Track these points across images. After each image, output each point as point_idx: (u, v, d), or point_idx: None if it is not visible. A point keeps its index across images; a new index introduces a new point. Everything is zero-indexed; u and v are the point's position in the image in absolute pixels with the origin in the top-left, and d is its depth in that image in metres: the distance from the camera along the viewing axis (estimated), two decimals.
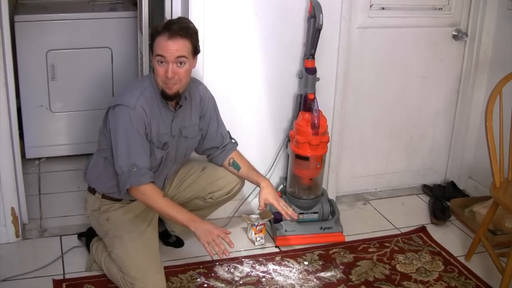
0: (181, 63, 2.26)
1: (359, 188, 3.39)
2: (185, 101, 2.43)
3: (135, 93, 2.29)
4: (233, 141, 2.66)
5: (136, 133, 2.25)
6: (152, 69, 2.38)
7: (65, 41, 3.40)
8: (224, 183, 2.61)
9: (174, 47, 2.22)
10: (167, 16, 2.75)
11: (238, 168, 2.61)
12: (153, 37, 2.28)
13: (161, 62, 2.25)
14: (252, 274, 2.59)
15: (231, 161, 2.61)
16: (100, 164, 2.45)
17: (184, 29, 2.25)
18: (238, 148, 2.66)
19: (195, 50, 2.31)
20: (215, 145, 2.61)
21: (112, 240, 2.39)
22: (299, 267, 2.66)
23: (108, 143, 2.35)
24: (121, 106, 2.26)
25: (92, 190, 2.49)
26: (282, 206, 2.52)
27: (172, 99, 2.35)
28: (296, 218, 2.58)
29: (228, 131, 2.65)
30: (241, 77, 2.82)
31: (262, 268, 2.63)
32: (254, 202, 3.04)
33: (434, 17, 3.18)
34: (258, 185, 2.59)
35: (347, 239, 2.89)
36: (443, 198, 3.29)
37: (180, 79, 2.28)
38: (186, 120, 2.47)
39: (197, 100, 2.50)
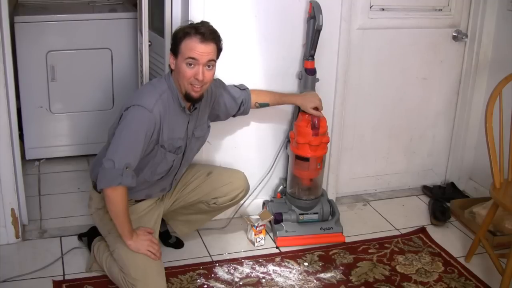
0: (209, 66, 2.27)
1: (359, 189, 3.39)
2: (199, 103, 2.43)
3: (154, 96, 2.29)
4: (244, 88, 2.69)
5: (143, 135, 2.24)
6: (170, 71, 2.36)
7: (65, 42, 3.40)
8: (228, 189, 2.61)
9: (206, 50, 2.24)
10: (167, 17, 2.75)
11: (267, 105, 2.72)
12: (179, 39, 2.26)
13: (191, 65, 2.25)
14: (252, 275, 2.59)
15: (257, 104, 2.71)
16: None
17: (214, 33, 2.28)
18: (238, 146, 2.65)
19: (219, 55, 2.33)
20: (236, 109, 2.66)
21: (115, 239, 2.38)
22: (299, 268, 2.66)
23: None
24: (138, 107, 2.25)
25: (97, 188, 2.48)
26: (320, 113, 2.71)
27: (197, 102, 2.36)
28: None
29: (235, 85, 2.68)
30: (241, 78, 2.81)
31: (262, 269, 2.63)
32: (254, 203, 3.04)
33: (434, 18, 3.18)
34: (295, 104, 2.80)
35: (346, 240, 2.89)
36: (443, 199, 3.28)
37: (206, 82, 2.29)
38: (198, 120, 2.48)
39: (205, 98, 2.50)
